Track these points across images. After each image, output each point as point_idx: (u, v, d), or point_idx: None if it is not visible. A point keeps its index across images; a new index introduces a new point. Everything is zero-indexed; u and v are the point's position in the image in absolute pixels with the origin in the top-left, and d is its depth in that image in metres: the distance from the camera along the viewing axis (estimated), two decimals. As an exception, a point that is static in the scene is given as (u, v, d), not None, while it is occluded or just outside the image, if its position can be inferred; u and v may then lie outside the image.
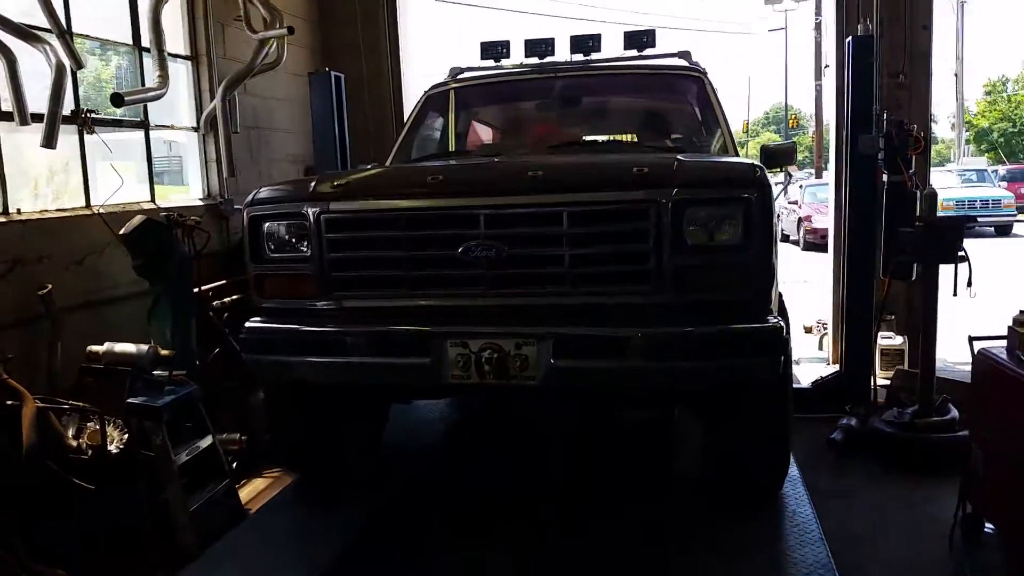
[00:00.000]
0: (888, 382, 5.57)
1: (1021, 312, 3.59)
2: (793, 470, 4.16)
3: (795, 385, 5.90)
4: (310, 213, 3.35)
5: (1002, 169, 26.09)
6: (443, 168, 3.83)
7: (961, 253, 4.58)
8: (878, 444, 4.75)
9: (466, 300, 3.27)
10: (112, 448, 3.71)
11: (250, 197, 3.58)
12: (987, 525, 3.74)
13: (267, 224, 3.50)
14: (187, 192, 5.73)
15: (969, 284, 4.59)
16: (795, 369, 5.48)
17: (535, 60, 5.08)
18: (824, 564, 3.22)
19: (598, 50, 4.98)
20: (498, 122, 5.67)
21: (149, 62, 4.95)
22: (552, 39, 5.02)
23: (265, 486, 4.63)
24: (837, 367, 6.37)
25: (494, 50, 5.05)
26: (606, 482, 4.40)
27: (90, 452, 3.66)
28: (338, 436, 4.22)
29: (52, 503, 3.48)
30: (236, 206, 5.68)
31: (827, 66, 6.48)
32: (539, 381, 3.13)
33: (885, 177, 5.26)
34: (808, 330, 7.37)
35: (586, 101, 5.26)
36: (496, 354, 3.11)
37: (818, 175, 27.93)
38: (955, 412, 4.76)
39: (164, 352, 4.03)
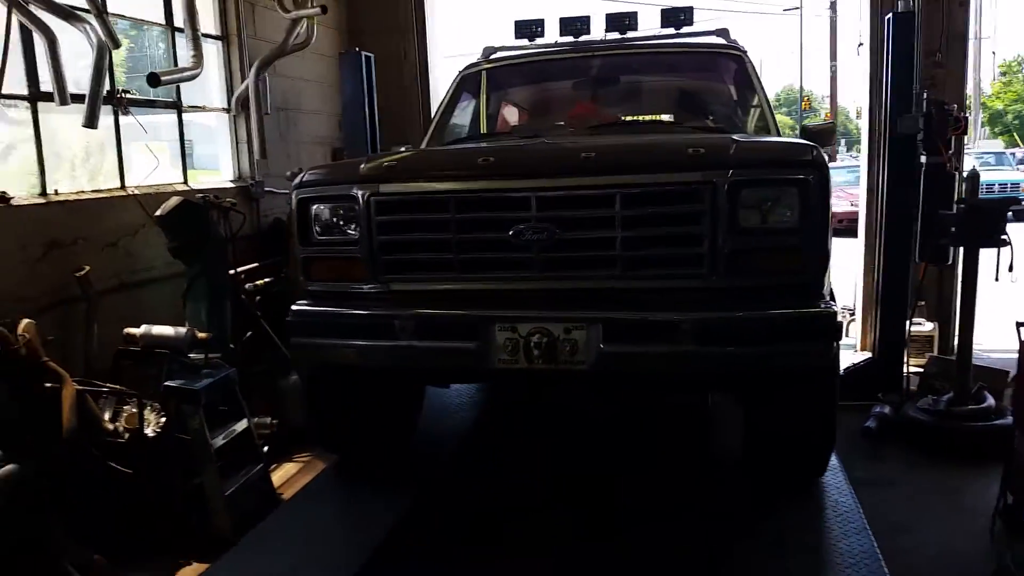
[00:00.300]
0: (920, 369, 5.49)
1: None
2: (832, 459, 4.12)
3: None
4: (360, 195, 3.30)
5: (1019, 152, 25.78)
6: (493, 150, 3.75)
7: (1004, 236, 4.51)
8: (914, 432, 4.70)
9: (516, 284, 3.22)
10: (148, 431, 3.70)
11: (298, 179, 3.51)
12: (1029, 515, 3.71)
13: (315, 206, 3.45)
14: (213, 175, 5.71)
15: (1011, 268, 4.51)
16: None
17: (570, 39, 4.99)
18: (870, 553, 3.18)
19: (634, 28, 4.89)
20: (535, 102, 5.58)
21: (181, 42, 4.90)
22: (588, 17, 4.92)
23: (296, 471, 4.62)
24: (868, 354, 6.33)
25: (528, 29, 4.95)
26: (644, 471, 4.35)
27: (127, 435, 3.66)
28: (376, 421, 4.18)
29: (90, 486, 3.48)
30: (267, 188, 5.66)
31: (860, 44, 6.36)
32: (588, 366, 3.08)
33: (923, 158, 5.18)
34: (833, 316, 7.28)
35: (624, 80, 5.14)
36: (545, 338, 3.06)
37: (832, 158, 27.64)
38: (991, 400, 4.71)
39: (201, 335, 4.02)
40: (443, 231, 3.24)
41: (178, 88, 4.98)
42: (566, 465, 4.42)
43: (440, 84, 7.07)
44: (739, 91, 4.90)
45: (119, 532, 3.52)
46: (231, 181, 5.57)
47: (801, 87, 41.61)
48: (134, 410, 3.68)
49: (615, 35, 4.96)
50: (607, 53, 4.97)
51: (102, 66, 3.87)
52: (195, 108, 5.28)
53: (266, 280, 5.26)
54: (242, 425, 4.10)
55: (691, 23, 4.92)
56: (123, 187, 4.53)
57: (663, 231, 3.08)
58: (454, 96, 5.09)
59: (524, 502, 3.96)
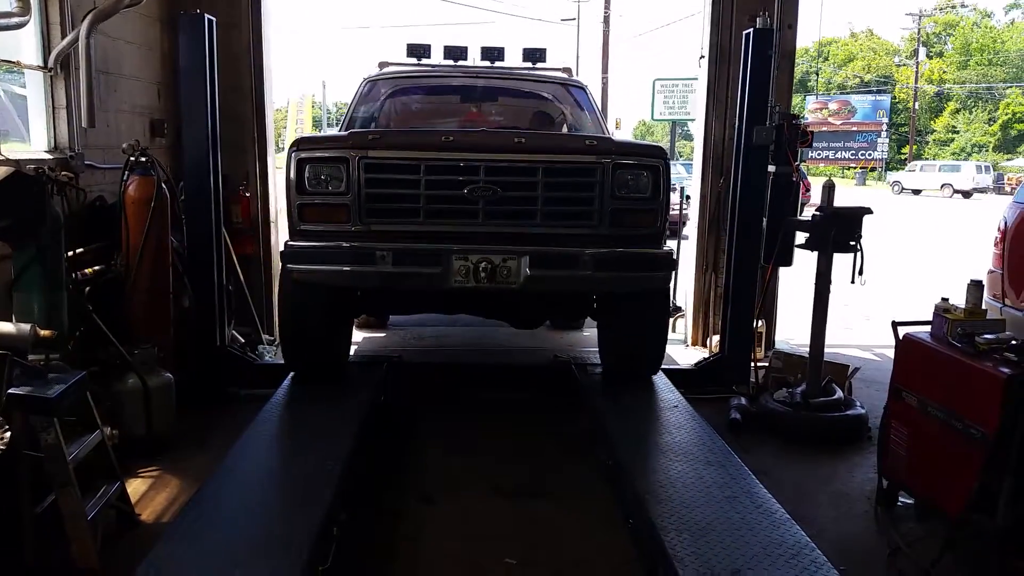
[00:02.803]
0: (763, 364, 5.80)
1: (943, 300, 3.86)
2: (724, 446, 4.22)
3: (676, 366, 6.13)
4: (352, 158, 4.24)
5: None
6: (452, 131, 4.94)
7: (854, 243, 4.86)
8: (774, 423, 4.97)
9: (467, 227, 4.34)
10: (-8, 450, 3.03)
11: (293, 144, 4.39)
12: (900, 498, 4.02)
13: (309, 165, 4.29)
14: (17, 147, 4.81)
15: (860, 272, 4.86)
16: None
17: (451, 62, 6.46)
18: (805, 543, 3.23)
19: (502, 59, 6.46)
20: (431, 108, 6.74)
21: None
22: (466, 47, 6.51)
23: (146, 487, 4.09)
24: (700, 349, 6.65)
25: (417, 50, 6.45)
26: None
27: (-35, 456, 2.97)
28: (329, 338, 4.97)
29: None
30: (87, 162, 4.88)
31: (702, 57, 6.64)
32: (519, 285, 4.32)
33: (771, 168, 5.46)
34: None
35: (501, 99, 6.63)
36: (489, 265, 4.25)
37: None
38: (840, 392, 5.07)
39: (44, 332, 3.37)
40: (415, 188, 4.28)
41: (-10, 37, 4.14)
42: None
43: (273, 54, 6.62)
44: (584, 111, 6.38)
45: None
46: (47, 152, 4.73)
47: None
48: (-25, 425, 2.98)
49: (486, 63, 6.44)
50: (490, 76, 6.48)
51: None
52: (7, 63, 4.42)
53: (95, 268, 4.54)
54: (96, 438, 3.51)
55: (544, 60, 6.53)
56: (-75, 152, 3.70)
57: (569, 194, 4.40)
58: (361, 98, 6.17)
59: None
